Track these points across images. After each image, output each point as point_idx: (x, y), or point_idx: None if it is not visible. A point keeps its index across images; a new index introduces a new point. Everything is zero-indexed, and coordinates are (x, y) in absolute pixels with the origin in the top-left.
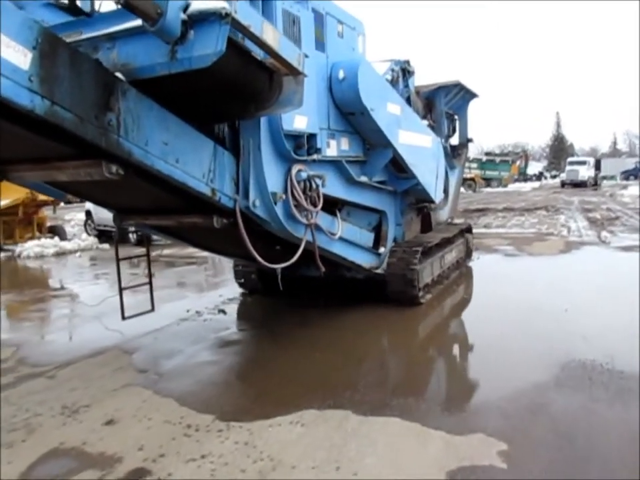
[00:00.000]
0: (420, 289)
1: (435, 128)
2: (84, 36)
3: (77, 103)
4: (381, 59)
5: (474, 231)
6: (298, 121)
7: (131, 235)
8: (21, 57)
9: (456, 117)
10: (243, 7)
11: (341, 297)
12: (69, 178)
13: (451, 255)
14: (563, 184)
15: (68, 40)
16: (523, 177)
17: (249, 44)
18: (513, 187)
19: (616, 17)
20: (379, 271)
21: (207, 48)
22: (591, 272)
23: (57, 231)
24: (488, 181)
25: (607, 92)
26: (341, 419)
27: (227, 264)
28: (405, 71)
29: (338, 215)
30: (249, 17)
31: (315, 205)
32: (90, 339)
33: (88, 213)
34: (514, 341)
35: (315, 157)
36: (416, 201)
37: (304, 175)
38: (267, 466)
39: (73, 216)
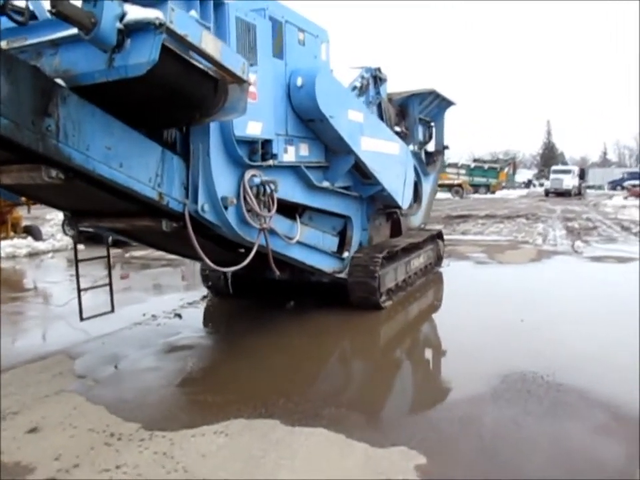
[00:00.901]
0: (382, 294)
1: (407, 135)
2: (28, 42)
3: (13, 109)
4: (353, 65)
5: (452, 237)
6: (251, 127)
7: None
8: None
9: (432, 124)
10: (180, 17)
11: (307, 300)
12: (13, 181)
13: (419, 261)
14: (547, 193)
15: (13, 45)
16: (511, 184)
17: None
18: (500, 193)
19: (608, 25)
20: (342, 275)
21: (142, 57)
22: (557, 282)
23: (31, 231)
24: (476, 188)
25: (598, 102)
26: (267, 430)
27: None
28: (377, 78)
29: (298, 219)
30: (187, 26)
31: (268, 210)
32: (38, 343)
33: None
34: (460, 351)
35: (270, 162)
36: (384, 207)
37: (257, 180)
38: (179, 476)
39: (54, 215)
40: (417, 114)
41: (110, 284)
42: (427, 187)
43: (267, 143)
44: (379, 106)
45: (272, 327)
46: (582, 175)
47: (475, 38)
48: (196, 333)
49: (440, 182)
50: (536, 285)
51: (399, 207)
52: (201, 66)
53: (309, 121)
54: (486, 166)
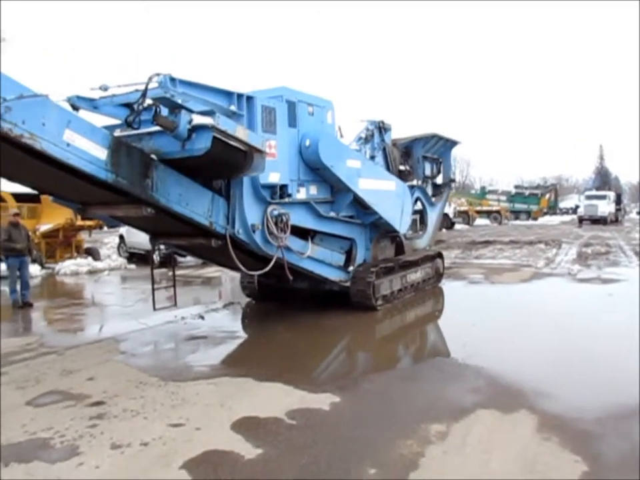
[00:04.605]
0: (377, 298)
1: (411, 172)
2: (135, 132)
3: (130, 174)
4: (362, 118)
5: (463, 261)
6: (272, 176)
7: (155, 257)
8: (101, 153)
9: (440, 160)
10: (223, 120)
11: (322, 304)
12: (122, 214)
13: (415, 275)
14: (580, 220)
15: (125, 133)
16: (552, 210)
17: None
18: (542, 220)
19: None
20: (347, 284)
21: (201, 144)
22: (527, 298)
23: (91, 252)
24: (517, 214)
25: None
26: (242, 383)
27: (226, 283)
28: (381, 128)
29: (309, 240)
30: (226, 125)
31: (284, 232)
32: (95, 332)
33: (121, 237)
34: (410, 342)
35: (286, 200)
36: (386, 231)
37: (276, 212)
38: (178, 402)
39: (111, 239)
40: (420, 154)
41: (174, 286)
42: (432, 214)
43: (284, 186)
44: (384, 150)
45: (285, 322)
46: (618, 201)
47: (524, 62)
48: (211, 328)
49: (479, 209)
50: (507, 300)
51: (397, 232)
52: (236, 144)
53: (316, 169)
54: (527, 192)
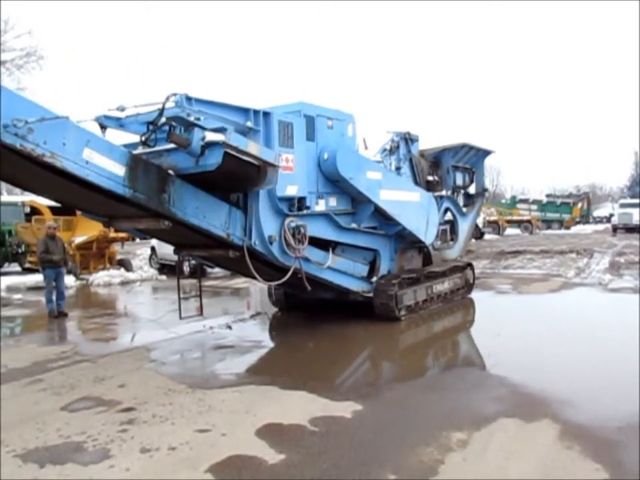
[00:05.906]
0: (399, 309)
1: (439, 182)
2: (155, 149)
3: (147, 189)
4: (389, 129)
5: (492, 271)
6: (289, 189)
7: (185, 268)
8: (119, 170)
9: (473, 169)
10: (234, 137)
11: (347, 314)
12: (144, 227)
13: (442, 286)
14: (615, 229)
15: (147, 150)
16: (585, 219)
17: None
18: (575, 229)
19: None
20: (370, 294)
21: (213, 160)
22: (556, 307)
23: (124, 264)
24: (549, 223)
25: None
26: (267, 390)
27: (255, 294)
28: (407, 139)
29: (330, 250)
30: (238, 140)
31: (302, 244)
32: (127, 341)
33: (152, 249)
34: (433, 352)
35: (304, 212)
36: (411, 242)
37: (293, 224)
38: (204, 409)
39: (143, 251)
40: (449, 164)
41: (200, 296)
42: (463, 224)
43: (302, 198)
44: (410, 161)
45: (310, 332)
46: None
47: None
48: (238, 338)
49: (509, 218)
50: (534, 310)
51: (422, 242)
52: (248, 159)
53: (335, 181)
54: (558, 201)
